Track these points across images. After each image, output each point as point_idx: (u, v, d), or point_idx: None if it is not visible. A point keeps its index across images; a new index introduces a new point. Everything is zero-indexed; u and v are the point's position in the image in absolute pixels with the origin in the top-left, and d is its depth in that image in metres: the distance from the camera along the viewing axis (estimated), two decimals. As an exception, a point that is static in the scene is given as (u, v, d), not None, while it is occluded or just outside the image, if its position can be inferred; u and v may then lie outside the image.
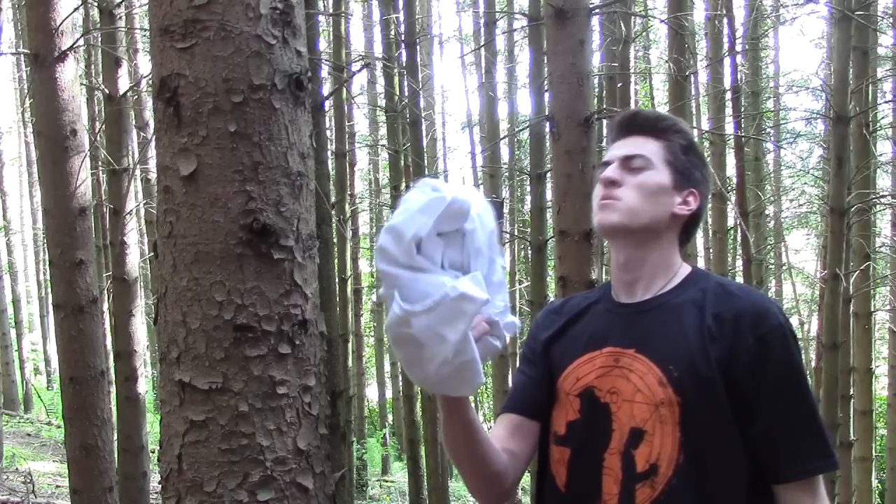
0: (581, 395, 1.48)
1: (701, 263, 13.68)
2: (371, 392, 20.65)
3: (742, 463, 1.38)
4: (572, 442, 1.48)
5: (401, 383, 12.04)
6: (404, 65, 8.82)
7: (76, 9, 4.66)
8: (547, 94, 4.96)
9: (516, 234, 13.75)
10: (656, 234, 1.48)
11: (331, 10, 8.37)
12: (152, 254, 1.72)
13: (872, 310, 9.39)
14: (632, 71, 9.46)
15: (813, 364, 12.25)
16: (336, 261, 6.99)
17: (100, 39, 6.56)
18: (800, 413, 1.37)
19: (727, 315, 1.39)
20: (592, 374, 1.47)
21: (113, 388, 6.15)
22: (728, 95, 8.72)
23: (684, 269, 1.52)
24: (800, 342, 1.46)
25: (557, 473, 1.50)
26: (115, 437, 5.32)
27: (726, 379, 1.36)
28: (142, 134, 9.30)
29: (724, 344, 1.37)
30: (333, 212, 6.05)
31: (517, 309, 16.31)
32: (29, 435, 13.51)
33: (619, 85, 8.07)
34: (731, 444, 1.37)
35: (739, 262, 10.94)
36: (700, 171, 1.53)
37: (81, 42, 5.08)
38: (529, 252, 8.97)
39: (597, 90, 8.78)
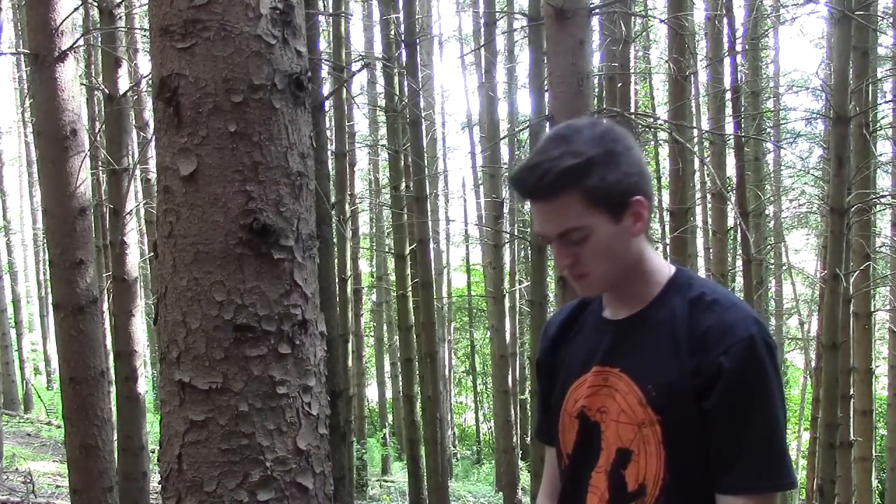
0: (579, 416, 1.50)
1: (701, 263, 13.68)
2: (371, 392, 20.65)
3: None
4: (571, 460, 1.52)
5: (401, 383, 12.04)
6: (404, 65, 8.82)
7: (76, 9, 4.66)
8: (547, 94, 4.96)
9: (516, 234, 13.74)
10: (632, 264, 1.46)
11: (331, 10, 8.37)
12: (152, 254, 1.72)
13: (872, 310, 9.38)
14: (632, 71, 9.46)
15: (813, 364, 12.25)
16: (336, 261, 7.00)
17: (100, 39, 6.56)
18: (754, 428, 1.33)
19: (699, 331, 1.37)
20: (584, 395, 1.49)
21: (113, 388, 6.15)
22: (728, 95, 8.72)
23: (665, 274, 1.48)
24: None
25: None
26: (115, 437, 5.32)
27: (696, 395, 1.35)
28: (142, 134, 9.31)
29: (694, 360, 1.36)
30: (333, 212, 6.05)
31: (517, 309, 16.33)
32: (29, 435, 13.51)
33: (619, 85, 8.07)
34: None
35: (739, 262, 10.93)
36: (628, 176, 1.40)
37: (81, 42, 5.07)
38: (529, 252, 8.97)
39: (597, 90, 8.77)
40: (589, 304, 1.59)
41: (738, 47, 9.43)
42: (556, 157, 1.36)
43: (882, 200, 10.00)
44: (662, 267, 1.48)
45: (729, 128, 9.23)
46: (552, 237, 1.42)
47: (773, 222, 15.81)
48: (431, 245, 11.08)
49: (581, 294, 1.50)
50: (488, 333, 17.42)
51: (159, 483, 1.49)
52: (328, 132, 8.76)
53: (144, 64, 9.82)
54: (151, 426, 6.82)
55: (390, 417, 18.84)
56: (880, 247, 11.44)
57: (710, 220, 10.36)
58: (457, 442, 22.05)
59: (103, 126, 6.36)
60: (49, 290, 14.45)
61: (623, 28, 7.28)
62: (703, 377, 1.34)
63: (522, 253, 17.76)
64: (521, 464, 13.21)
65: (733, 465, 1.33)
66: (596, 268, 1.42)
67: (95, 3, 5.84)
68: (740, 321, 1.35)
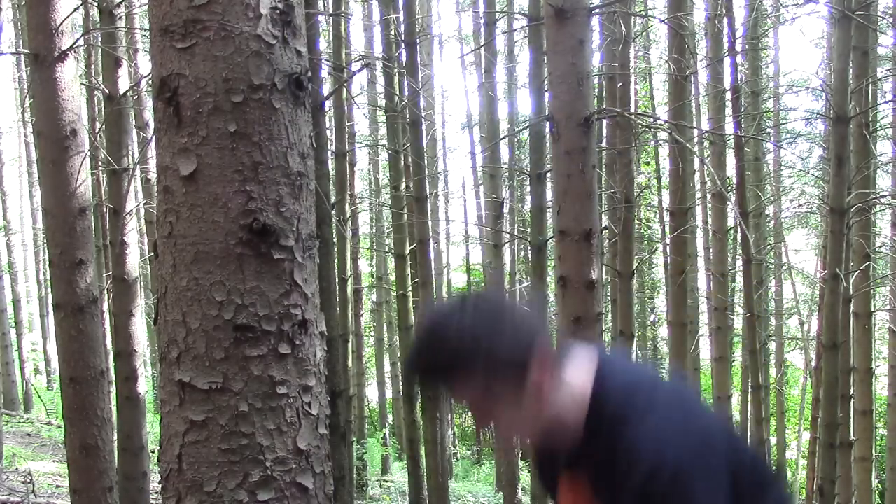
0: None
1: (701, 263, 13.68)
2: (371, 392, 20.64)
3: None
4: None
5: (401, 383, 12.03)
6: (404, 65, 8.82)
7: (76, 9, 4.65)
8: (547, 94, 4.96)
9: (516, 234, 13.74)
10: (553, 416, 1.37)
11: (331, 10, 8.37)
12: (152, 254, 1.73)
13: (872, 310, 9.38)
14: (632, 71, 9.46)
15: (813, 364, 12.24)
16: (336, 261, 7.00)
17: (100, 39, 6.56)
18: None
19: (615, 463, 1.29)
20: None
21: (113, 388, 6.15)
22: (728, 95, 8.73)
23: (583, 396, 1.36)
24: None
25: None
26: (115, 437, 5.32)
27: None
28: (142, 134, 9.31)
29: (617, 495, 1.30)
30: (333, 212, 6.05)
31: (517, 309, 16.28)
32: (29, 435, 13.50)
33: (619, 85, 8.07)
34: None
35: (739, 262, 10.94)
36: (502, 352, 1.30)
37: (81, 42, 5.07)
38: (529, 252, 8.98)
39: (597, 90, 8.77)
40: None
41: (738, 47, 9.43)
42: (432, 369, 1.31)
43: (882, 200, 10.00)
44: (578, 391, 1.36)
45: (729, 128, 9.23)
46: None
47: (773, 222, 15.81)
48: (431, 245, 11.08)
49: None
50: (488, 333, 17.33)
51: (159, 483, 1.49)
52: (328, 132, 8.76)
53: (144, 64, 9.82)
54: (151, 426, 6.82)
55: (390, 417, 18.84)
56: (880, 247, 11.44)
57: (710, 220, 10.37)
58: (457, 442, 22.04)
59: (103, 126, 6.35)
60: (49, 290, 14.45)
61: (623, 28, 7.27)
62: None
63: (522, 253, 17.77)
64: (521, 464, 13.21)
65: None
66: (521, 435, 1.41)
67: (95, 3, 5.84)
68: (644, 446, 1.25)
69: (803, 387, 18.10)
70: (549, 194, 7.72)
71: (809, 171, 16.76)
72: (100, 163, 8.41)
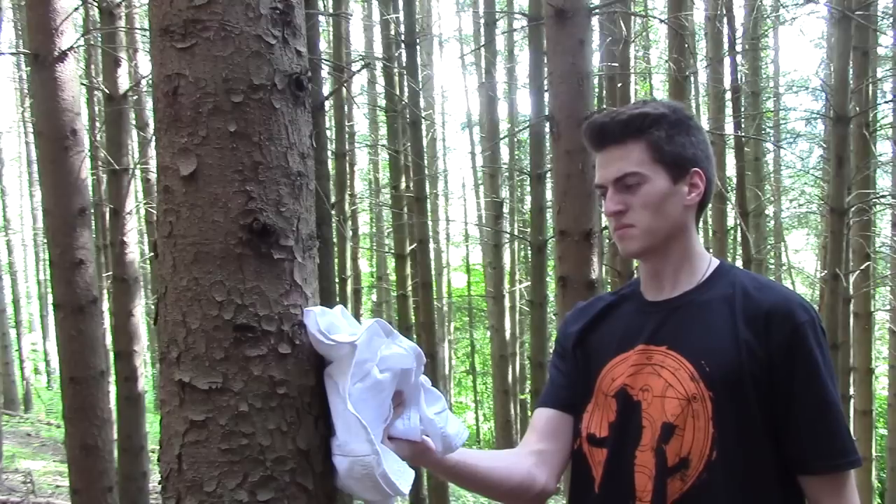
0: (617, 396, 1.48)
1: (701, 263, 13.66)
2: (371, 392, 20.62)
3: (772, 461, 1.38)
4: (609, 443, 1.49)
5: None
6: (404, 65, 8.83)
7: (76, 9, 4.66)
8: (547, 94, 4.96)
9: (516, 234, 13.74)
10: (678, 234, 1.48)
11: (331, 10, 8.37)
12: (152, 254, 1.72)
13: (872, 310, 9.38)
14: (632, 71, 9.46)
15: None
16: (336, 261, 7.00)
17: (100, 39, 6.57)
18: (829, 410, 1.37)
19: (758, 312, 1.39)
20: (626, 373, 1.48)
21: (113, 388, 6.15)
22: (728, 95, 8.73)
23: (712, 264, 1.51)
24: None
25: (595, 475, 1.50)
26: (115, 437, 5.32)
27: (758, 375, 1.36)
28: (142, 134, 9.32)
29: (756, 341, 1.37)
30: (333, 212, 6.05)
31: (517, 309, 16.31)
32: (29, 435, 13.50)
33: (619, 85, 8.07)
34: (763, 441, 1.37)
35: (739, 262, 10.94)
36: (694, 147, 1.47)
37: (81, 42, 5.07)
38: (529, 252, 8.98)
39: (597, 90, 8.77)
40: (627, 297, 1.59)
41: (738, 47, 9.44)
42: (632, 109, 1.47)
43: (882, 200, 10.00)
44: (705, 254, 1.53)
45: (729, 128, 9.23)
46: (609, 182, 1.47)
47: (773, 222, 15.82)
48: (431, 245, 11.08)
49: (622, 251, 1.50)
50: (488, 333, 17.43)
51: (159, 483, 1.48)
52: (328, 132, 8.76)
53: (144, 64, 9.82)
54: (151, 426, 6.82)
55: (390, 417, 18.82)
56: (880, 247, 11.44)
57: (710, 220, 10.38)
58: (457, 442, 22.01)
59: (103, 126, 6.36)
60: (49, 290, 14.45)
61: (623, 28, 7.27)
62: (769, 358, 1.36)
63: (522, 253, 17.77)
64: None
65: (817, 448, 1.36)
66: (642, 220, 1.45)
67: (95, 3, 5.85)
68: (798, 305, 1.39)
69: (803, 387, 18.04)
70: (549, 194, 7.73)
71: (809, 171, 16.77)
72: (100, 163, 8.41)
